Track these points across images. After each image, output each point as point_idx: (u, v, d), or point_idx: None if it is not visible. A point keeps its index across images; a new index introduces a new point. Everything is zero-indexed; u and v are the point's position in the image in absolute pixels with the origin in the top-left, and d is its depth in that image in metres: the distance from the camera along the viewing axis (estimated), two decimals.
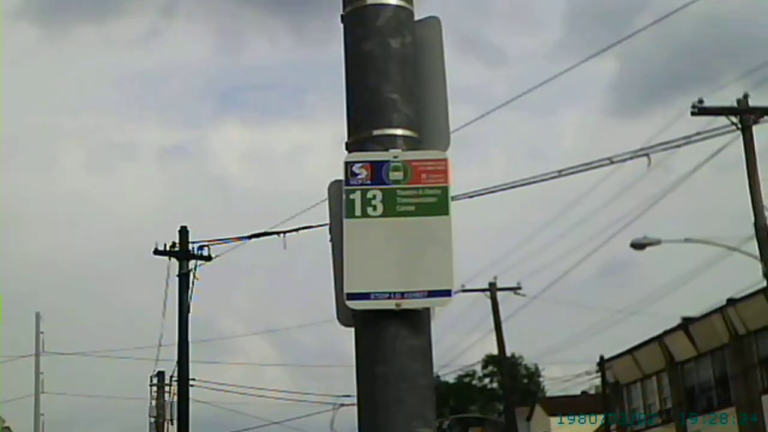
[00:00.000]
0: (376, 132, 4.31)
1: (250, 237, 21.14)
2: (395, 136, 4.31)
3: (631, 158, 17.78)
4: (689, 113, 21.84)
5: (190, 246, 24.67)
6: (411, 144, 4.33)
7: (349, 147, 4.37)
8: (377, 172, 4.26)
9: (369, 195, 4.24)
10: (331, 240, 4.38)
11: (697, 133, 20.52)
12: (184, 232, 24.99)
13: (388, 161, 4.27)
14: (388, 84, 4.32)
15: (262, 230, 20.67)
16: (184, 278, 24.43)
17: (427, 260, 4.20)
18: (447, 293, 4.20)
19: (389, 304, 4.15)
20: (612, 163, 17.56)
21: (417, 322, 4.19)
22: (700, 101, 21.85)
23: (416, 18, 4.48)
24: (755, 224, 22.16)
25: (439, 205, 4.25)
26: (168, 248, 24.82)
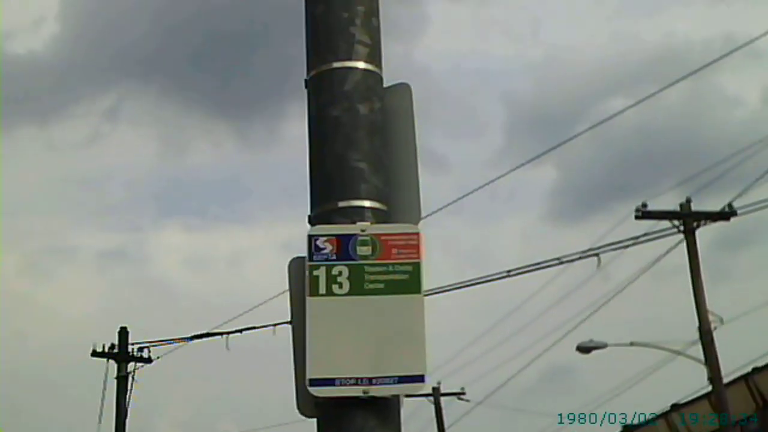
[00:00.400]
0: (342, 204, 3.99)
1: (192, 338, 20.53)
2: (363, 208, 3.99)
3: (580, 258, 17.67)
4: (633, 217, 21.87)
5: (130, 347, 23.94)
6: (379, 217, 4.00)
7: (313, 220, 4.04)
8: (343, 246, 3.92)
9: (334, 271, 3.89)
10: (291, 321, 4.01)
11: (645, 234, 20.55)
12: (123, 333, 24.24)
13: (355, 235, 3.93)
14: (356, 152, 4.01)
15: (205, 331, 20.09)
16: (122, 381, 23.61)
17: (397, 343, 3.84)
18: (419, 379, 3.83)
19: (356, 391, 3.77)
20: (561, 263, 17.45)
21: (386, 411, 3.80)
22: (644, 205, 21.92)
23: (385, 84, 4.21)
24: (699, 328, 22.08)
25: (410, 282, 3.91)
26: (107, 350, 24.06)
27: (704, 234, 22.83)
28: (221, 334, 19.11)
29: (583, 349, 23.58)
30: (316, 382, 3.76)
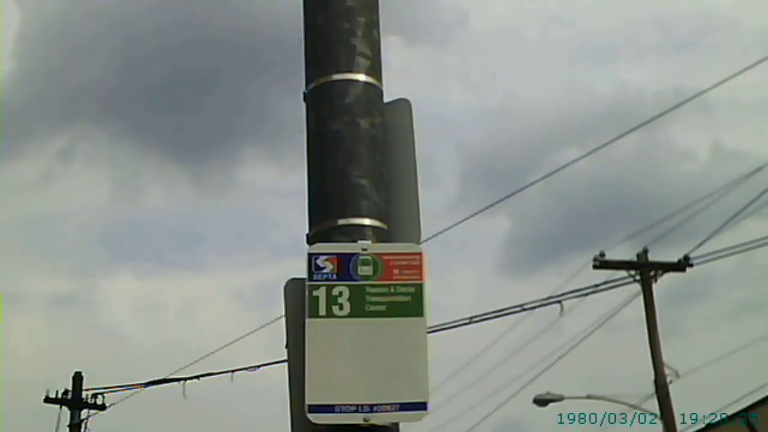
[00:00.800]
0: (341, 221, 3.80)
1: (147, 384, 20.01)
2: (363, 226, 3.80)
3: (542, 305, 17.56)
4: (591, 267, 21.86)
5: (84, 393, 23.27)
6: (380, 236, 3.82)
7: (311, 238, 3.84)
8: (344, 266, 3.72)
9: (335, 292, 3.69)
10: (286, 345, 3.79)
11: (605, 282, 20.54)
12: (77, 378, 23.54)
13: (356, 254, 3.74)
14: (357, 168, 3.83)
15: (160, 377, 19.60)
16: (75, 429, 22.92)
17: (399, 368, 3.64)
18: (422, 406, 3.63)
19: (357, 419, 3.55)
20: (524, 310, 17.33)
21: None
22: (602, 254, 21.94)
23: (385, 99, 4.05)
24: (655, 381, 22.03)
25: (413, 305, 3.72)
26: (60, 396, 23.35)
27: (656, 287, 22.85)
28: (178, 380, 18.64)
29: (540, 401, 23.39)
30: (315, 409, 3.54)
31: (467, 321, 16.70)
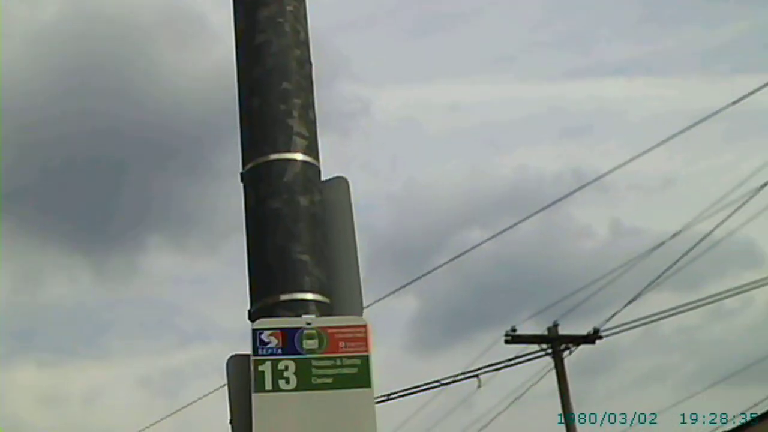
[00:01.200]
0: (284, 297, 3.86)
1: None
2: (307, 301, 3.87)
3: (460, 380, 17.67)
4: (503, 341, 22.09)
5: None
6: (323, 310, 3.89)
7: (254, 314, 3.89)
8: (289, 340, 3.78)
9: (281, 366, 3.74)
10: (231, 422, 3.81)
11: (515, 357, 20.78)
12: None
13: (301, 328, 3.80)
14: (298, 244, 3.92)
15: None
16: None
17: None
18: None
19: None
20: (441, 385, 17.42)
21: None
22: (513, 329, 22.21)
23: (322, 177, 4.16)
24: None
25: (359, 376, 3.79)
26: None
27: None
28: None
29: None
30: None
31: (384, 398, 16.70)
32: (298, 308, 3.84)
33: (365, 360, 3.81)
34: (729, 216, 14.54)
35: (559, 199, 18.00)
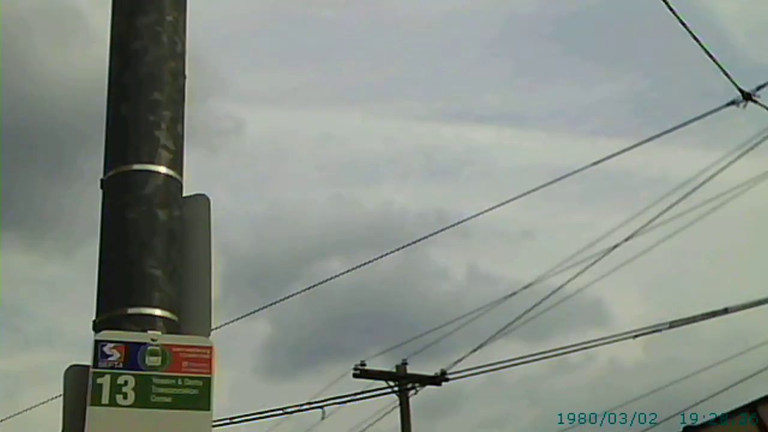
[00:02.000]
0: (132, 310, 3.78)
1: None
2: (154, 316, 3.79)
3: (304, 410, 17.59)
4: (351, 375, 22.13)
5: None
6: (170, 327, 3.82)
7: (98, 326, 3.79)
8: (132, 355, 3.69)
9: (120, 380, 3.64)
10: None
11: (363, 392, 20.84)
12: None
13: (145, 344, 3.72)
14: (151, 258, 3.84)
15: None
16: None
17: None
18: None
19: None
20: (285, 413, 17.29)
21: None
22: (362, 363, 22.27)
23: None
24: None
25: (199, 398, 3.73)
26: None
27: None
28: None
29: None
30: None
31: (227, 421, 16.48)
32: (145, 323, 3.76)
33: (207, 382, 3.76)
34: (579, 273, 14.97)
35: (421, 239, 18.19)
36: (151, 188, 3.93)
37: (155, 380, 3.68)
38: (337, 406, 20.59)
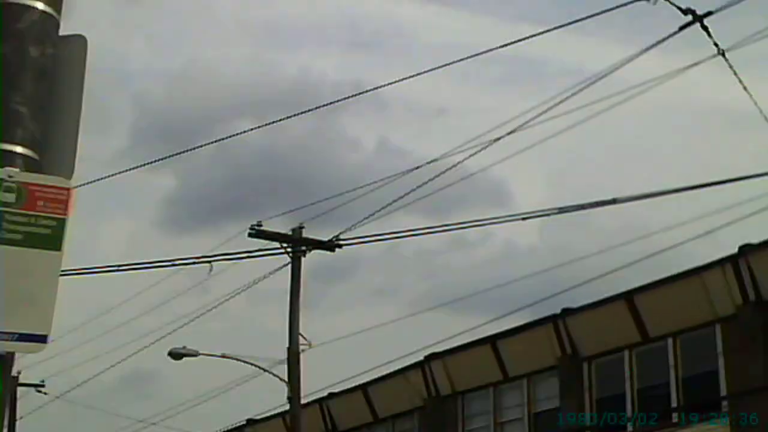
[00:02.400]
0: None
1: None
2: (14, 153, 3.77)
3: (194, 263, 17.69)
4: (247, 234, 22.23)
5: None
6: (31, 166, 3.81)
7: None
8: None
9: None
10: None
11: (258, 250, 20.95)
12: None
13: (1, 179, 3.71)
14: (18, 95, 3.79)
15: None
16: None
17: (25, 299, 3.66)
18: (42, 339, 3.68)
19: None
20: (174, 265, 17.36)
21: None
22: (259, 224, 22.36)
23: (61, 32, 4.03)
24: (289, 349, 22.82)
25: (52, 238, 3.75)
26: None
27: (308, 262, 23.67)
28: None
29: (175, 354, 23.56)
30: None
31: (115, 268, 16.51)
32: (4, 159, 3.74)
33: (61, 223, 3.78)
34: (481, 149, 14.91)
35: (334, 102, 18.00)
36: (26, 23, 3.85)
37: (7, 217, 3.69)
38: (231, 263, 20.74)
